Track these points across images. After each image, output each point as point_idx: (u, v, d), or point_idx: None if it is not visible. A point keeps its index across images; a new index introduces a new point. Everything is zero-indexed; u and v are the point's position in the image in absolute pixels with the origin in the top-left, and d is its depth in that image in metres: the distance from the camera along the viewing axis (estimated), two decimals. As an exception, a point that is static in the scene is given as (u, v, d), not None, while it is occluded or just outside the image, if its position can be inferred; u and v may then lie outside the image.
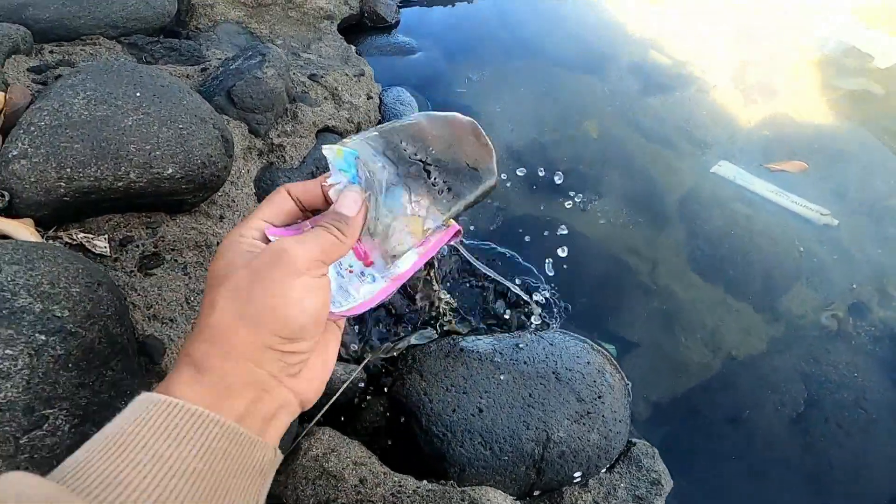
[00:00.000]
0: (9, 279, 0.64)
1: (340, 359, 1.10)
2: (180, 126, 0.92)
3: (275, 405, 0.43)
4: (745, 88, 1.92)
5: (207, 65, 1.31)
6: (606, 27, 2.18)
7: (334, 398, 0.97)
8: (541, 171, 1.51)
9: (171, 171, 0.89)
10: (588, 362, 1.06)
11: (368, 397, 1.05)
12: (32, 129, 0.83)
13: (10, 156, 0.81)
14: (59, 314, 0.64)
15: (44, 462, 0.60)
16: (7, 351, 0.59)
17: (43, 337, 0.62)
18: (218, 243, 1.01)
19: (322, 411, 0.95)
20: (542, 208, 1.42)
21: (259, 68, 1.20)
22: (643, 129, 1.68)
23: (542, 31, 2.10)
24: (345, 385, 0.99)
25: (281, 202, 0.50)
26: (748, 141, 1.69)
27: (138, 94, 0.91)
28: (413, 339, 1.11)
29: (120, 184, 0.85)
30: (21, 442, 0.59)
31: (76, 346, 0.64)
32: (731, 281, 1.32)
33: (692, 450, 1.09)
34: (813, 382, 1.18)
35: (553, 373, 1.01)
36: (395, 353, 1.09)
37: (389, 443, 0.99)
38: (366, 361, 1.06)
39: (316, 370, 0.47)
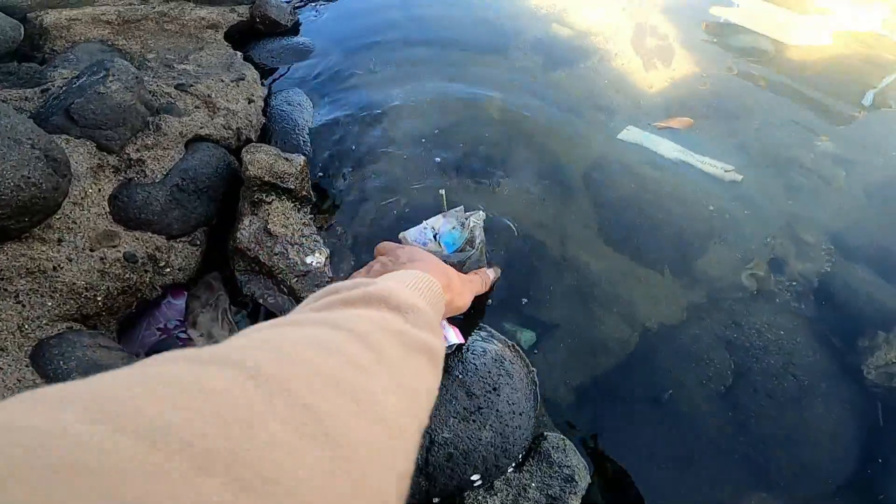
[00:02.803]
0: None
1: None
2: (-12, 147, 0.84)
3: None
4: (645, 54, 1.88)
5: (49, 85, 1.24)
6: (509, 4, 2.13)
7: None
8: (446, 154, 1.45)
9: (-26, 196, 0.81)
10: (484, 351, 0.99)
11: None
12: None
13: None
14: None
15: None
16: None
17: None
18: (55, 268, 0.93)
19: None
20: (448, 192, 1.35)
21: (102, 83, 1.13)
22: (549, 103, 1.63)
23: (444, 15, 2.05)
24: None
25: None
26: (652, 105, 1.65)
27: (-66, 119, 0.83)
28: None
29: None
30: None
31: None
32: (644, 248, 1.26)
33: (615, 437, 1.02)
34: (737, 350, 1.12)
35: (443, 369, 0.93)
36: None
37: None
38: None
39: None
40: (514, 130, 1.53)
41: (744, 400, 1.06)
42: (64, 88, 1.17)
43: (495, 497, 0.91)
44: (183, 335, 1.12)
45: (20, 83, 1.25)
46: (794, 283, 1.22)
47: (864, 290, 1.23)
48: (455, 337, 0.94)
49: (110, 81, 1.14)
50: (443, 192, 1.13)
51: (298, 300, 1.14)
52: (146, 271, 1.06)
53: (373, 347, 0.38)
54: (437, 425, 0.86)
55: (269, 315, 1.15)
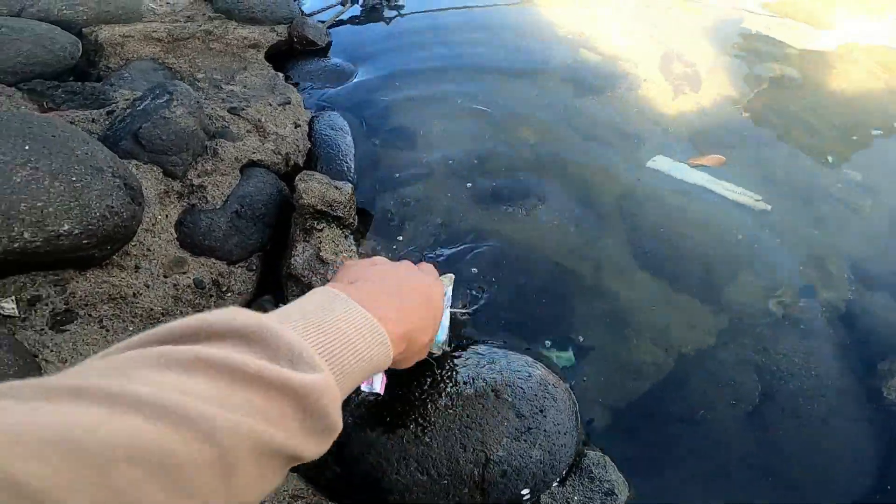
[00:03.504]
0: None
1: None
2: (73, 178, 0.92)
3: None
4: (673, 80, 1.96)
5: (114, 107, 1.32)
6: (538, 32, 2.21)
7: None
8: (480, 180, 1.53)
9: (67, 227, 0.89)
10: (529, 376, 1.06)
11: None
12: (-82, 195, 0.83)
13: None
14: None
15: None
16: None
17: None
18: (134, 294, 1.01)
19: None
20: (481, 219, 1.43)
21: (167, 107, 1.21)
22: (578, 130, 1.71)
23: (471, 39, 2.13)
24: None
25: None
26: (680, 133, 1.73)
27: (27, 148, 0.91)
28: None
29: (15, 245, 0.85)
30: None
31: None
32: (675, 275, 1.33)
33: (650, 455, 1.09)
34: (765, 373, 1.19)
35: (492, 391, 1.02)
36: None
37: (332, 475, 0.99)
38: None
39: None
40: (545, 158, 1.61)
41: (772, 419, 1.14)
42: (128, 111, 1.25)
43: (541, 510, 0.99)
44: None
45: (86, 104, 1.33)
46: (820, 310, 1.29)
47: (885, 316, 1.30)
48: (379, 386, 0.88)
49: (175, 106, 1.22)
50: (451, 276, 1.06)
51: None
52: (211, 296, 1.14)
53: (217, 457, 0.33)
54: (492, 444, 0.94)
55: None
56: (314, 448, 0.43)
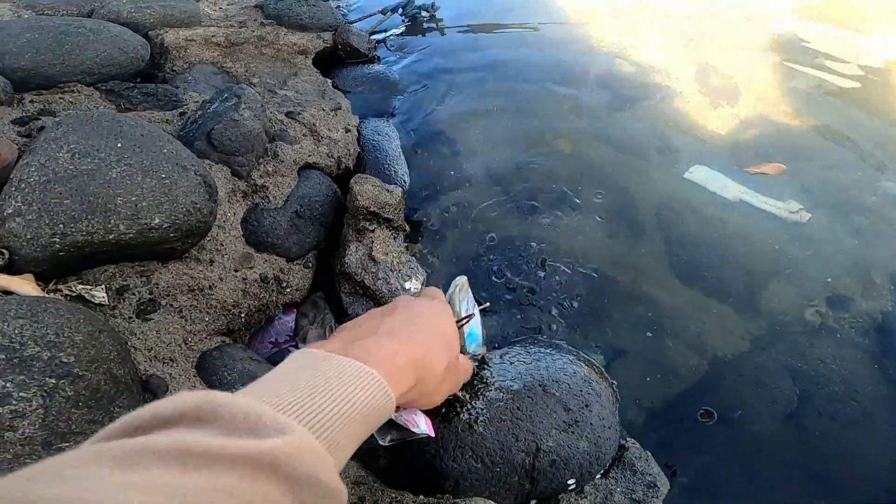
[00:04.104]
0: (16, 331, 0.72)
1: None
2: (163, 175, 1.01)
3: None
4: (709, 92, 2.03)
5: (185, 108, 1.41)
6: (575, 44, 2.30)
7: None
8: (518, 189, 1.61)
9: (157, 220, 0.98)
10: (574, 373, 1.14)
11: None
12: (23, 185, 0.92)
13: (4, 214, 0.90)
14: (66, 360, 0.73)
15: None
16: (21, 394, 0.68)
17: (53, 380, 0.70)
18: (210, 287, 1.10)
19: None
20: (522, 226, 1.51)
21: (235, 110, 1.30)
22: (615, 141, 1.78)
23: (509, 53, 2.22)
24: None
25: None
26: (717, 145, 1.80)
27: (119, 145, 1.01)
28: None
29: (111, 236, 0.94)
30: None
31: (84, 387, 0.73)
32: (711, 283, 1.40)
33: (687, 452, 1.16)
34: (802, 378, 1.26)
35: (539, 385, 1.09)
36: None
37: (387, 462, 1.06)
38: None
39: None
40: (583, 167, 1.69)
41: (808, 422, 1.20)
42: (199, 113, 1.35)
43: (585, 499, 1.06)
44: (293, 348, 1.28)
45: (160, 105, 1.43)
46: (857, 320, 1.35)
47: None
48: (425, 426, 0.82)
49: (242, 109, 1.31)
50: (463, 279, 1.06)
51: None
52: (273, 291, 1.23)
53: None
54: (542, 435, 1.01)
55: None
56: None
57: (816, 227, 1.55)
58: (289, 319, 1.31)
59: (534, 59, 2.18)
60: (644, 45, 2.26)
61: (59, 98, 1.31)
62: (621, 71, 2.11)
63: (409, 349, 0.59)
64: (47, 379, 0.70)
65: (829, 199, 1.65)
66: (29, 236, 0.89)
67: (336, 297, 1.34)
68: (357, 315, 1.31)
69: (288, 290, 1.27)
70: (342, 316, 1.33)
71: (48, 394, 0.69)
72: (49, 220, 0.90)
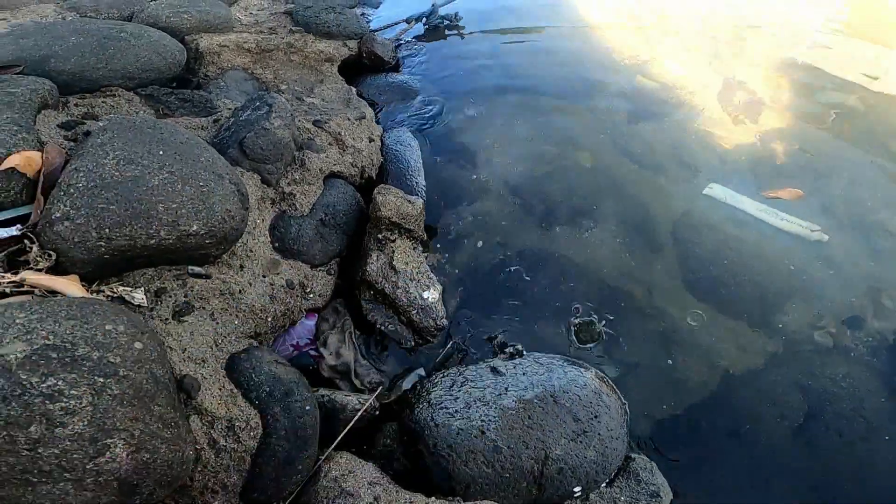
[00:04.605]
0: (67, 332, 0.79)
1: (355, 390, 1.26)
2: (201, 183, 1.08)
3: None
4: (732, 110, 2.07)
5: (219, 115, 1.48)
6: (596, 57, 2.35)
7: (350, 425, 1.12)
8: (536, 201, 1.66)
9: (195, 227, 1.05)
10: (585, 385, 1.19)
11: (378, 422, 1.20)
12: (72, 190, 0.99)
13: (53, 217, 0.97)
14: (113, 360, 0.80)
15: (107, 484, 0.76)
16: (72, 391, 0.75)
17: (101, 379, 0.77)
18: (240, 291, 1.17)
19: (339, 437, 1.10)
20: (538, 239, 1.56)
21: (267, 119, 1.36)
22: (634, 156, 1.83)
23: (530, 63, 2.28)
24: (359, 413, 1.14)
25: None
26: (737, 163, 1.84)
27: (161, 153, 1.08)
28: (405, 385, 1.28)
29: (152, 241, 1.01)
30: (87, 467, 0.74)
31: (129, 386, 0.79)
32: (725, 300, 1.44)
33: (695, 463, 1.21)
34: (811, 395, 1.30)
35: (551, 396, 1.15)
36: (394, 397, 1.25)
37: (400, 465, 1.13)
38: (375, 394, 1.20)
39: None
40: (601, 182, 1.74)
41: (816, 436, 1.25)
42: (232, 120, 1.41)
43: (590, 508, 1.12)
44: (314, 352, 1.34)
45: (195, 111, 1.50)
46: (869, 340, 1.39)
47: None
48: None
49: (273, 118, 1.37)
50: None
51: (416, 331, 1.37)
52: (297, 296, 1.29)
53: None
54: (552, 443, 1.07)
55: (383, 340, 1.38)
56: None
57: (835, 248, 1.59)
58: (310, 323, 1.37)
59: (554, 71, 2.23)
60: (667, 60, 2.31)
61: (102, 102, 1.38)
62: (643, 85, 2.16)
63: None
64: (96, 378, 0.77)
65: (851, 219, 1.68)
66: (76, 239, 0.96)
67: (356, 303, 1.41)
68: (376, 320, 1.39)
69: (311, 295, 1.34)
70: (362, 321, 1.39)
71: (97, 392, 0.76)
72: (96, 225, 0.96)
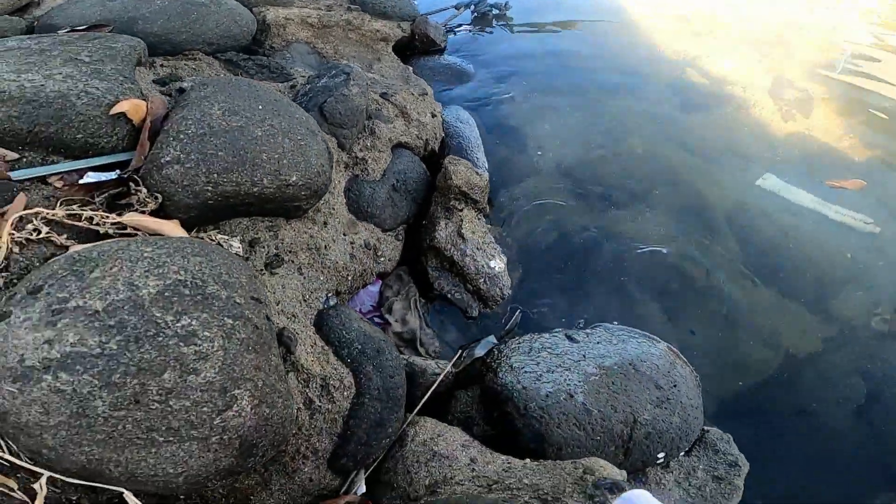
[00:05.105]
0: (197, 268, 0.75)
1: (432, 357, 1.23)
2: (298, 137, 1.05)
3: None
4: (783, 104, 2.04)
5: (294, 82, 1.45)
6: (645, 49, 2.33)
7: (431, 390, 1.09)
8: (589, 184, 1.64)
9: (294, 178, 1.02)
10: (660, 355, 1.17)
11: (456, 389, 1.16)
12: (182, 136, 0.95)
13: (163, 161, 0.93)
14: (239, 301, 0.76)
15: (230, 443, 0.70)
16: (205, 333, 0.70)
17: (230, 321, 0.73)
18: (325, 247, 1.13)
19: (421, 402, 1.06)
20: (594, 218, 1.54)
21: (345, 86, 1.33)
22: (687, 145, 1.81)
23: (578, 52, 2.26)
24: (440, 377, 1.11)
25: None
26: (789, 155, 1.82)
27: (260, 108, 1.04)
28: (478, 351, 1.24)
29: (255, 189, 0.97)
30: (215, 423, 0.68)
31: (252, 330, 0.75)
32: (785, 286, 1.43)
33: (762, 438, 1.20)
34: (871, 378, 1.29)
35: (630, 364, 1.12)
36: (467, 363, 1.22)
37: (481, 430, 1.09)
38: (453, 361, 1.17)
39: None
40: (654, 168, 1.71)
41: (877, 418, 1.23)
42: (308, 87, 1.38)
43: (670, 475, 1.09)
44: (379, 319, 1.31)
45: (273, 76, 1.46)
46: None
47: None
48: None
49: (352, 85, 1.34)
50: None
51: (482, 299, 1.34)
52: (371, 258, 1.26)
53: None
54: (639, 408, 1.05)
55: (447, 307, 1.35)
56: None
57: (889, 239, 1.57)
58: (374, 290, 1.34)
59: (603, 60, 2.21)
60: (718, 55, 2.28)
61: (185, 64, 1.35)
62: (692, 79, 2.14)
63: None
64: (226, 319, 0.72)
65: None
66: (185, 183, 0.92)
67: (422, 270, 1.38)
68: (443, 288, 1.35)
69: (382, 259, 1.31)
70: (427, 290, 1.36)
71: (227, 335, 0.71)
72: (205, 170, 0.93)
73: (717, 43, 2.41)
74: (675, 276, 1.43)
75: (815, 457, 1.17)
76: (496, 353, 1.16)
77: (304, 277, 1.08)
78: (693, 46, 2.34)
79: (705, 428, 1.16)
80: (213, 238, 0.98)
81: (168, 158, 0.93)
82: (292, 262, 1.07)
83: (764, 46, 2.43)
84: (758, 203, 1.62)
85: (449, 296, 1.35)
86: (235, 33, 1.49)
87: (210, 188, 0.94)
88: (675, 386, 1.11)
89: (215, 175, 0.94)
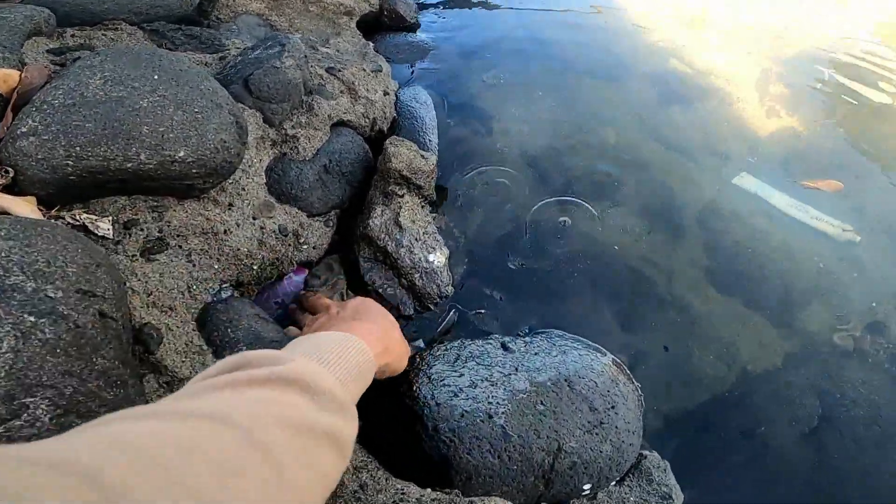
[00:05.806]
0: (2, 254, 0.59)
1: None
2: (196, 110, 0.88)
3: None
4: (768, 101, 1.86)
5: (226, 53, 1.27)
6: (628, 36, 2.13)
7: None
8: (553, 174, 1.46)
9: (182, 153, 0.84)
10: (602, 371, 1.00)
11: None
12: (45, 107, 0.79)
13: (18, 132, 0.77)
14: (52, 294, 0.59)
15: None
16: (-7, 331, 0.54)
17: (32, 318, 0.56)
18: (225, 231, 0.96)
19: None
20: (554, 213, 1.37)
21: (278, 58, 1.16)
22: (663, 138, 1.63)
23: (558, 36, 2.06)
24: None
25: None
26: (770, 154, 1.63)
27: (156, 77, 0.87)
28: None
29: (129, 164, 0.80)
30: None
31: (66, 330, 0.59)
32: (748, 295, 1.26)
33: (704, 462, 1.04)
34: (828, 398, 1.13)
35: (566, 380, 0.96)
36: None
37: (391, 449, 0.93)
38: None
39: None
40: (624, 161, 1.53)
41: (829, 442, 1.08)
42: (240, 58, 1.20)
43: (598, 507, 0.93)
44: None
45: (201, 47, 1.28)
46: (891, 347, 1.22)
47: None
48: None
49: (285, 57, 1.17)
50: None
51: (417, 297, 1.17)
52: (290, 245, 1.09)
53: (257, 445, 0.38)
54: (566, 434, 0.88)
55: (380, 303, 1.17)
56: (336, 422, 0.48)
57: (867, 249, 1.40)
58: (299, 280, 1.17)
59: (583, 45, 2.02)
60: (703, 47, 2.09)
61: (102, 34, 1.17)
62: (676, 69, 1.95)
63: (377, 328, 0.77)
64: (26, 315, 0.56)
65: (884, 222, 1.49)
66: (40, 156, 0.76)
67: (353, 261, 1.21)
68: (374, 281, 1.19)
69: (305, 246, 1.14)
70: (357, 282, 1.19)
71: (23, 335, 0.55)
72: (66, 142, 0.76)
73: (705, 34, 2.22)
74: (634, 279, 1.27)
75: (756, 484, 1.02)
76: (418, 360, 0.99)
77: (194, 265, 0.91)
78: (680, 37, 2.15)
79: (643, 453, 0.99)
80: (77, 218, 0.81)
81: (24, 130, 0.76)
82: (180, 247, 0.90)
83: (754, 39, 2.24)
84: (731, 204, 1.45)
85: (380, 290, 1.17)
86: (171, 3, 1.31)
87: (71, 162, 0.77)
88: (612, 408, 0.95)
89: (77, 148, 0.77)
